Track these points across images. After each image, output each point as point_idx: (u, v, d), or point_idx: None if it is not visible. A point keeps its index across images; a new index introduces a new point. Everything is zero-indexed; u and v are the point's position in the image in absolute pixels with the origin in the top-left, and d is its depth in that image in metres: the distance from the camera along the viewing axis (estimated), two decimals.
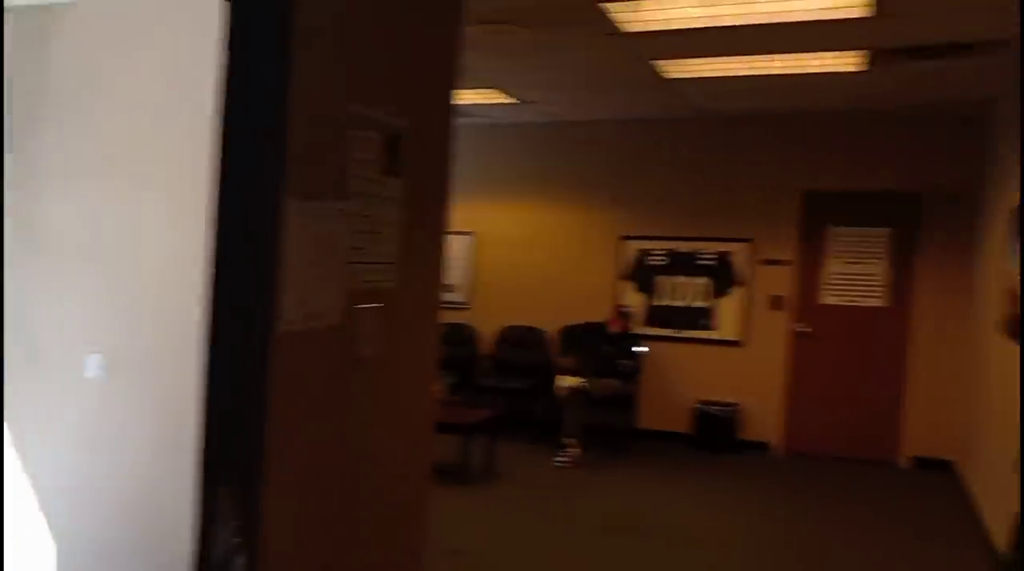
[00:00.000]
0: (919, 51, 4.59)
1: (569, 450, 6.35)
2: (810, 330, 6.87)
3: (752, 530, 5.07)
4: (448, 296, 6.82)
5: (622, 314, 7.07)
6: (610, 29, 4.41)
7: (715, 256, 7.12)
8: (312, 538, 2.30)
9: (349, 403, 2.43)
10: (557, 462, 6.27)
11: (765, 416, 7.00)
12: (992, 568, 1.10)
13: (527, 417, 7.15)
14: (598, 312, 7.27)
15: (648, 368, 7.12)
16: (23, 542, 3.04)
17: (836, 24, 4.21)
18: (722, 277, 7.11)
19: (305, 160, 2.12)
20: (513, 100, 6.65)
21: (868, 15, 4.01)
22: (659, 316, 7.29)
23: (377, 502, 2.64)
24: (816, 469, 6.54)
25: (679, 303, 7.24)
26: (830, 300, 6.86)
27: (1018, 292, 4.48)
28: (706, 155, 7.16)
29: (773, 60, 5.03)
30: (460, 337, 7.56)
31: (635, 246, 7.38)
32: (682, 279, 7.23)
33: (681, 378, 7.21)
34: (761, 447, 6.99)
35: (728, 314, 7.09)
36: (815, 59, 4.96)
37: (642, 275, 7.35)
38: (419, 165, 2.73)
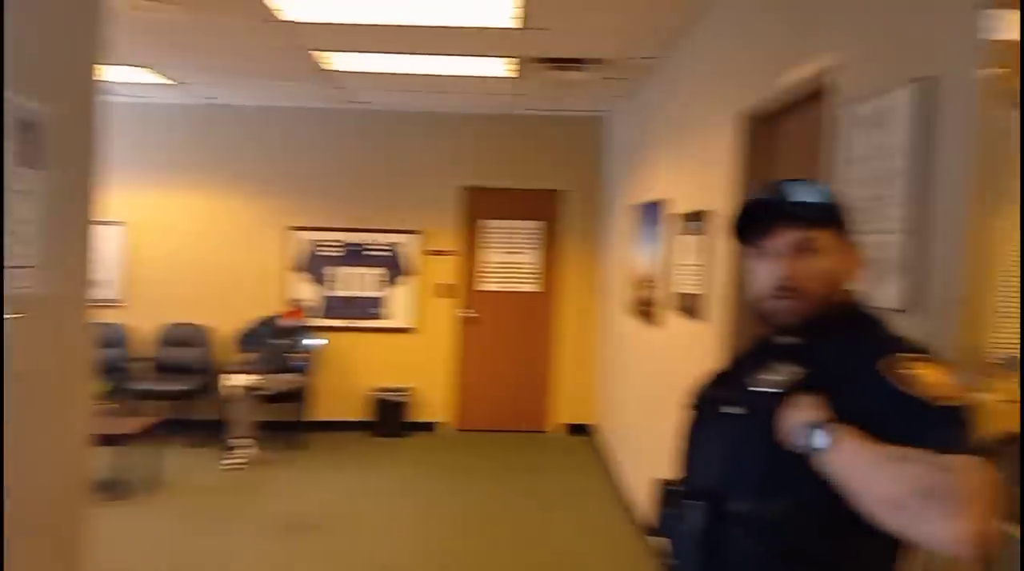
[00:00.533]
0: (559, 62, 5.11)
1: (240, 451, 6.12)
2: (475, 315, 7.34)
3: (428, 508, 5.34)
4: (98, 293, 6.16)
5: (296, 307, 6.94)
6: (267, 16, 4.30)
7: (386, 247, 7.28)
8: None
9: None
10: (228, 464, 6.02)
11: (437, 397, 7.36)
12: (641, 527, 1.33)
13: (193, 420, 6.72)
14: (270, 305, 7.07)
15: (325, 359, 7.10)
16: None
17: (489, 32, 4.53)
18: (393, 267, 7.30)
19: None
20: (168, 81, 6.19)
21: (517, 27, 4.38)
22: (334, 307, 7.28)
23: (24, 531, 2.35)
24: (483, 443, 7.04)
25: (353, 293, 7.31)
26: (491, 286, 7.39)
27: (642, 278, 5.21)
28: (373, 148, 7.28)
29: (432, 61, 5.26)
30: (114, 338, 6.87)
31: (305, 237, 7.28)
32: (355, 270, 7.30)
33: (358, 367, 7.29)
34: (435, 427, 7.33)
35: (400, 303, 7.32)
36: (472, 63, 5.28)
37: (314, 266, 7.29)
38: (62, 154, 2.46)
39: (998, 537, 1.07)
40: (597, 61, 5.11)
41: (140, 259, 7.12)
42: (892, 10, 2.15)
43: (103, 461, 4.54)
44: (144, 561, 4.27)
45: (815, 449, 1.20)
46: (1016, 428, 3.29)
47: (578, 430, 7.36)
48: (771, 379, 1.33)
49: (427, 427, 7.31)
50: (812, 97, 2.71)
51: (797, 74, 2.71)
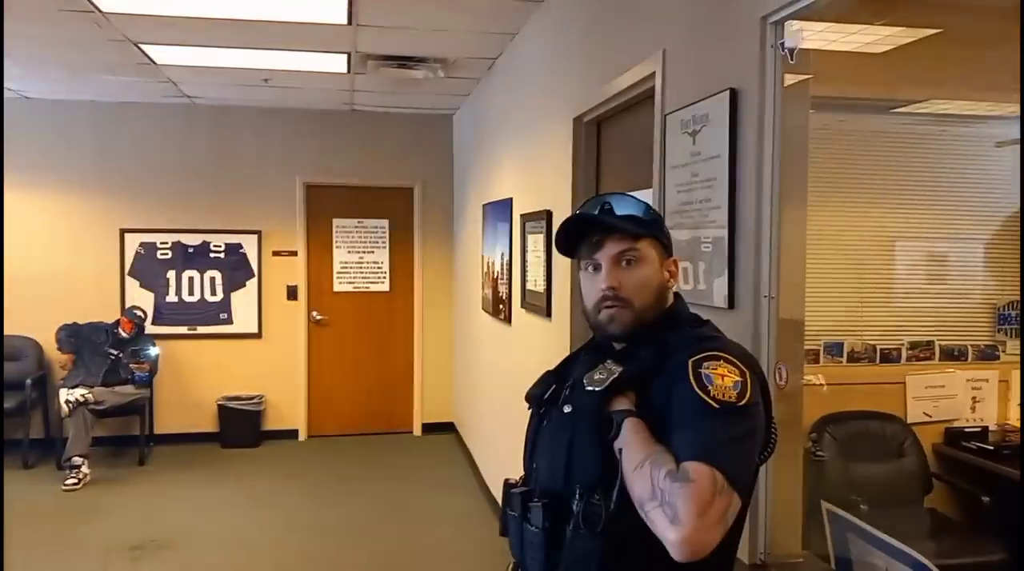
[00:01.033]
0: (394, 59, 5.08)
1: (78, 470, 5.73)
2: (326, 317, 7.18)
3: (286, 520, 5.18)
4: None
5: (133, 315, 6.53)
6: (86, 6, 4.04)
7: (226, 248, 6.99)
8: None
9: None
10: (66, 486, 5.62)
11: (290, 404, 7.14)
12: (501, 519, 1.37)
13: (20, 440, 6.20)
14: (104, 313, 6.63)
15: (165, 369, 6.74)
16: None
17: (320, 28, 4.44)
18: (235, 270, 7.02)
19: None
20: None
21: (344, 23, 4.32)
22: (173, 313, 6.92)
23: None
24: (342, 449, 6.91)
25: (192, 298, 6.97)
26: (342, 288, 7.25)
27: (493, 276, 5.28)
28: (208, 145, 6.95)
29: (263, 55, 5.09)
30: None
31: (138, 240, 6.87)
32: (193, 273, 6.97)
33: (201, 376, 6.97)
34: (289, 435, 7.13)
35: (245, 307, 7.04)
36: (304, 58, 5.15)
37: (149, 271, 6.89)
38: None
39: (715, 542, 1.18)
40: (437, 60, 5.12)
41: None
42: (703, 21, 2.28)
43: None
44: None
45: (610, 437, 1.31)
46: (836, 410, 3.58)
47: (440, 428, 7.36)
48: (595, 377, 1.40)
49: (283, 435, 7.10)
50: (642, 102, 2.83)
51: (624, 80, 2.82)
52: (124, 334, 6.41)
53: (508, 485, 1.52)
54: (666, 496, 1.18)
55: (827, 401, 3.43)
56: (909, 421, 3.68)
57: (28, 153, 6.62)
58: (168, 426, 6.87)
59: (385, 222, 7.28)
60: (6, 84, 6.03)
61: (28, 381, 6.25)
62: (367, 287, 7.29)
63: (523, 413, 1.59)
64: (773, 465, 1.87)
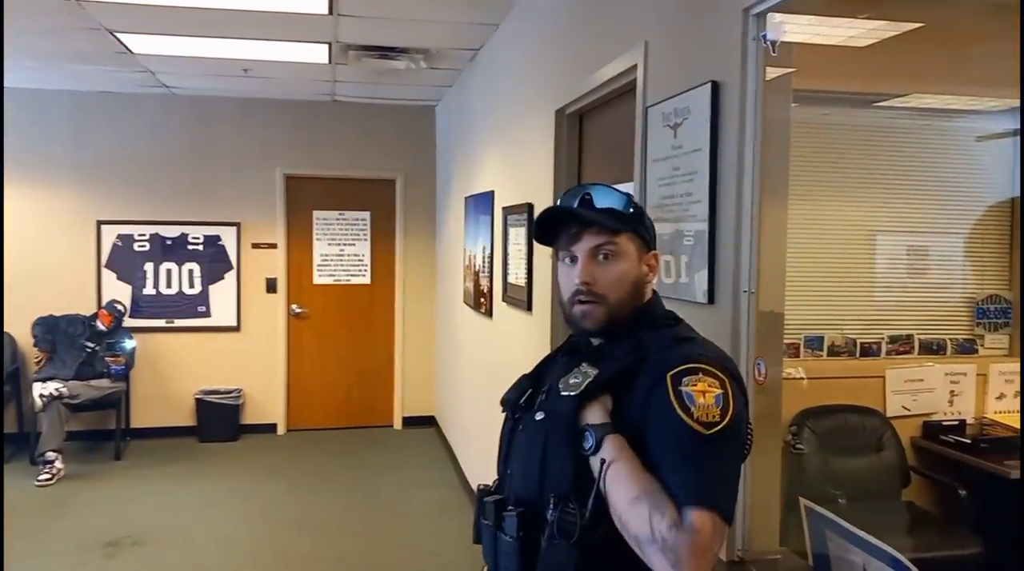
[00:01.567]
0: (375, 50, 5.03)
1: (51, 465, 5.65)
2: (306, 310, 7.12)
3: (264, 515, 5.13)
4: None
5: (112, 308, 6.45)
6: None
7: (204, 240, 6.91)
8: None
9: None
10: (40, 481, 5.54)
11: (269, 398, 7.08)
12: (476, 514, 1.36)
13: None
14: (80, 306, 6.55)
15: (142, 362, 6.67)
16: None
17: (299, 17, 4.39)
18: (214, 262, 6.94)
19: None
20: None
21: (324, 13, 4.27)
22: (151, 306, 6.84)
23: None
24: (321, 443, 6.86)
25: (170, 291, 6.89)
26: (322, 280, 7.19)
27: (475, 269, 5.25)
28: (187, 136, 6.85)
29: (242, 45, 5.03)
30: None
31: (115, 231, 6.78)
32: (171, 265, 6.88)
33: (179, 369, 6.89)
34: (268, 429, 7.07)
35: (223, 299, 6.97)
36: (283, 48, 5.08)
37: (126, 263, 6.80)
38: None
39: None
40: (418, 51, 5.08)
41: None
42: (685, 13, 2.25)
43: None
44: None
45: (584, 452, 1.29)
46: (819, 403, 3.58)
47: (420, 422, 7.33)
48: (570, 382, 1.37)
49: (261, 429, 7.04)
50: (624, 95, 2.81)
51: (606, 72, 2.80)
52: (102, 327, 6.33)
53: (481, 492, 1.49)
54: (668, 543, 1.18)
55: (807, 395, 3.43)
56: (888, 415, 3.69)
57: (8, 143, 6.50)
58: (145, 420, 6.80)
59: (366, 214, 7.23)
60: None
61: (1, 375, 6.15)
62: (348, 280, 7.23)
63: (502, 415, 1.56)
64: (751, 461, 1.84)
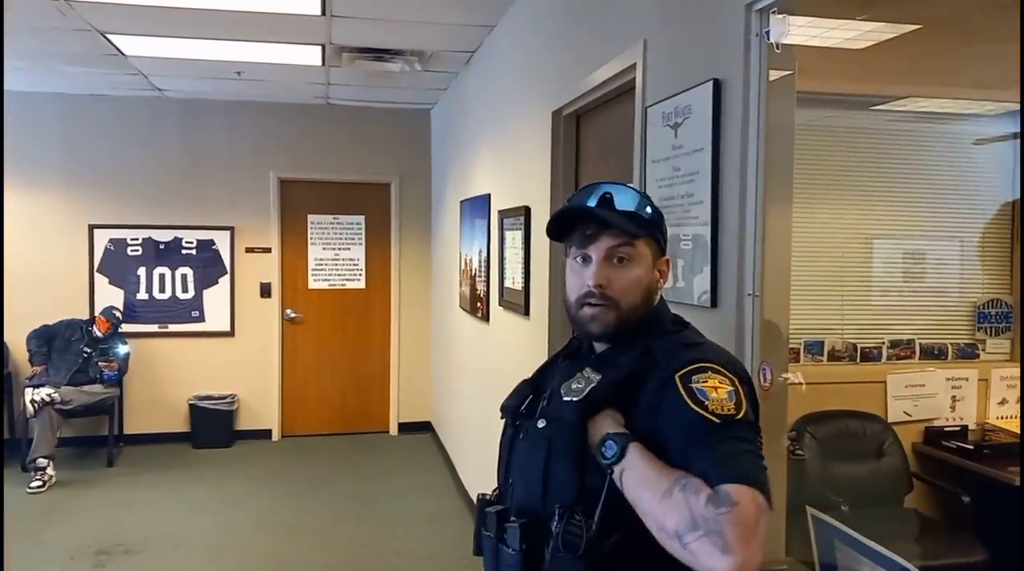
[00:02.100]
0: (370, 52, 4.98)
1: (43, 472, 5.58)
2: (300, 315, 7.07)
3: (259, 522, 5.07)
4: None
5: (110, 314, 6.38)
6: None
7: (198, 245, 6.85)
8: None
9: None
10: (31, 488, 5.47)
11: (264, 404, 7.02)
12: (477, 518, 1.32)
13: None
14: (72, 311, 6.48)
15: (135, 368, 6.60)
16: None
17: (292, 18, 4.34)
18: (207, 266, 6.88)
19: None
20: None
21: (317, 14, 4.22)
22: (144, 311, 6.77)
23: None
24: (316, 449, 6.79)
25: (163, 296, 6.83)
26: (317, 285, 7.13)
27: (471, 274, 5.20)
28: (180, 140, 6.80)
29: (234, 47, 4.98)
30: None
31: (108, 236, 6.71)
32: (165, 270, 6.82)
33: (172, 375, 6.83)
34: (262, 435, 7.00)
35: (217, 304, 6.91)
36: (277, 50, 5.04)
37: (119, 267, 6.74)
38: None
39: (761, 563, 1.09)
40: (413, 53, 5.04)
41: None
42: (685, 10, 2.21)
43: None
44: None
45: (606, 462, 1.22)
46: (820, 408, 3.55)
47: (416, 428, 7.27)
48: (573, 387, 1.32)
49: (256, 435, 6.97)
50: (622, 95, 2.76)
51: (605, 72, 2.76)
52: (99, 333, 6.27)
53: (482, 502, 1.44)
54: (711, 525, 1.08)
55: (807, 400, 3.39)
56: (889, 420, 3.66)
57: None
58: (138, 426, 6.73)
59: (361, 218, 7.17)
60: None
61: (1, 379, 6.09)
62: (343, 284, 7.18)
63: (502, 422, 1.51)
64: None
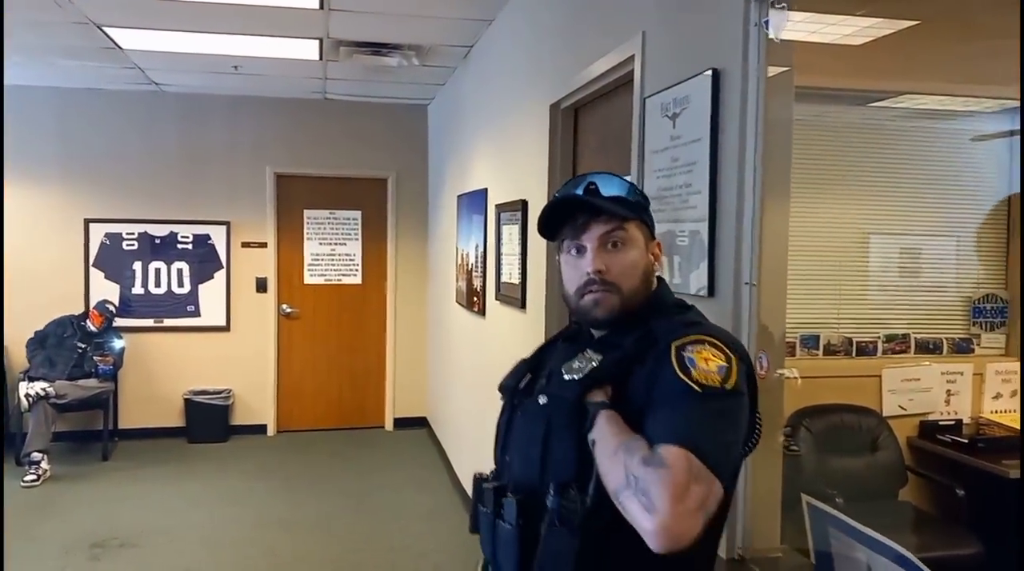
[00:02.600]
0: (367, 46, 4.98)
1: (37, 466, 5.57)
2: (296, 310, 7.06)
3: (255, 516, 5.06)
4: None
5: (104, 309, 6.36)
6: None
7: (194, 239, 6.84)
8: None
9: None
10: (25, 482, 5.46)
11: (259, 399, 7.01)
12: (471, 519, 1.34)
13: None
14: (67, 305, 6.47)
15: (130, 362, 6.59)
16: None
17: (290, 12, 4.33)
18: (203, 261, 6.86)
19: None
20: None
21: (315, 7, 4.22)
22: (138, 305, 6.76)
23: None
24: (312, 444, 6.79)
25: (159, 290, 6.81)
26: (313, 280, 7.12)
27: (468, 268, 5.20)
28: (176, 134, 6.78)
29: (232, 40, 4.97)
30: None
31: (103, 230, 6.70)
32: (160, 265, 6.81)
33: (168, 369, 6.82)
34: (258, 430, 6.99)
35: (213, 299, 6.90)
36: (274, 44, 5.03)
37: (114, 262, 6.72)
38: None
39: (695, 531, 1.10)
40: (411, 47, 5.03)
41: None
42: (685, 0, 2.21)
43: None
44: None
45: (588, 431, 1.24)
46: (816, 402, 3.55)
47: (412, 423, 7.26)
48: (574, 366, 1.33)
49: (251, 430, 6.96)
50: (620, 87, 2.77)
51: (603, 64, 2.76)
52: (93, 328, 6.26)
53: (479, 480, 1.44)
54: (640, 483, 1.10)
55: (803, 394, 3.40)
56: (884, 414, 3.67)
57: None
58: (133, 421, 6.72)
59: (358, 213, 7.17)
60: None
61: (3, 375, 6.08)
62: (339, 280, 7.17)
63: (497, 407, 1.51)
64: (752, 459, 1.81)
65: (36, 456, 5.60)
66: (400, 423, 7.30)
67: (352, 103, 6.99)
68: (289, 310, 7.04)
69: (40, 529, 4.75)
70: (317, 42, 4.96)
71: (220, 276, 6.90)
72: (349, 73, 5.81)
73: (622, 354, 1.31)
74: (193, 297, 6.86)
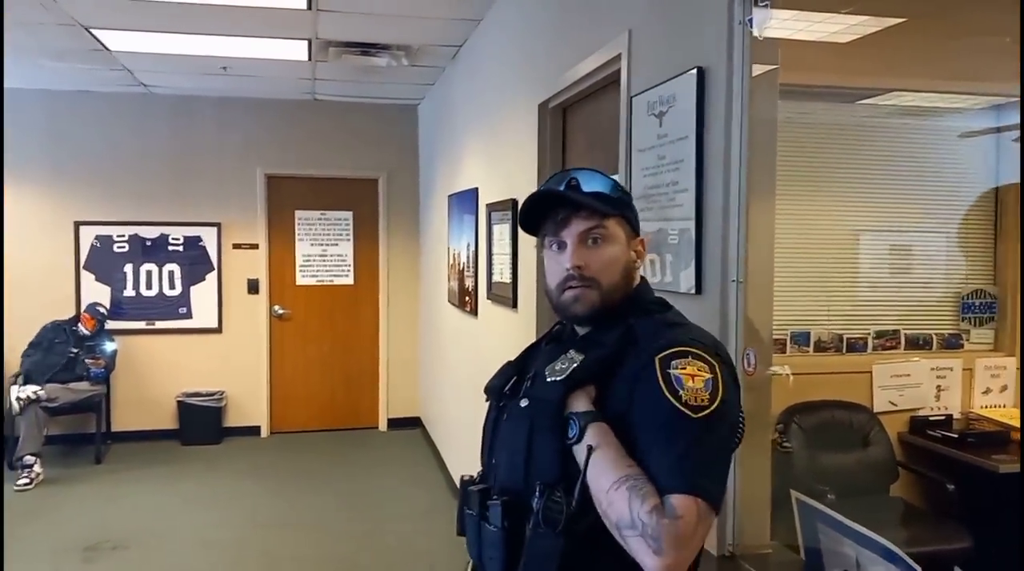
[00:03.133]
0: (356, 46, 4.97)
1: (30, 469, 5.55)
2: (288, 311, 7.05)
3: (249, 518, 5.06)
4: None
5: (95, 311, 6.34)
6: None
7: (185, 241, 6.83)
8: None
9: None
10: (18, 486, 5.44)
11: (252, 400, 7.00)
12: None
13: None
14: (58, 307, 6.45)
15: (122, 365, 6.57)
16: None
17: (278, 12, 4.33)
18: (194, 263, 6.85)
19: None
20: None
21: (303, 8, 4.21)
22: (129, 308, 6.74)
23: None
24: (305, 446, 6.78)
25: (150, 293, 6.80)
26: (305, 281, 7.11)
27: (459, 268, 5.19)
28: (166, 136, 6.76)
29: (220, 42, 4.96)
30: None
31: (94, 232, 6.68)
32: (152, 267, 6.79)
33: (160, 372, 6.80)
34: (251, 432, 6.98)
35: (204, 301, 6.88)
36: (263, 45, 5.02)
37: (105, 264, 6.70)
38: None
39: (692, 558, 1.20)
40: (400, 47, 5.03)
41: None
42: (670, 0, 2.22)
43: None
44: None
45: (568, 441, 1.25)
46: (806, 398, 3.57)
47: (406, 424, 7.26)
48: (556, 368, 1.33)
49: (244, 432, 6.95)
50: (607, 86, 2.77)
51: (590, 63, 2.76)
52: (85, 331, 6.25)
53: (465, 482, 1.45)
54: (649, 530, 1.13)
55: (794, 391, 3.41)
56: (875, 410, 3.68)
57: None
58: (126, 423, 6.70)
59: (349, 214, 7.16)
60: None
61: (1, 377, 6.04)
62: (331, 280, 7.16)
63: (486, 403, 1.51)
64: (741, 455, 1.82)
65: (29, 460, 5.59)
66: (394, 423, 7.29)
67: (342, 103, 6.99)
68: (281, 311, 7.03)
69: (33, 532, 4.73)
70: (306, 43, 4.95)
71: (212, 278, 6.88)
72: (338, 73, 5.80)
73: (604, 353, 1.31)
74: (185, 299, 6.85)
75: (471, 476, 1.48)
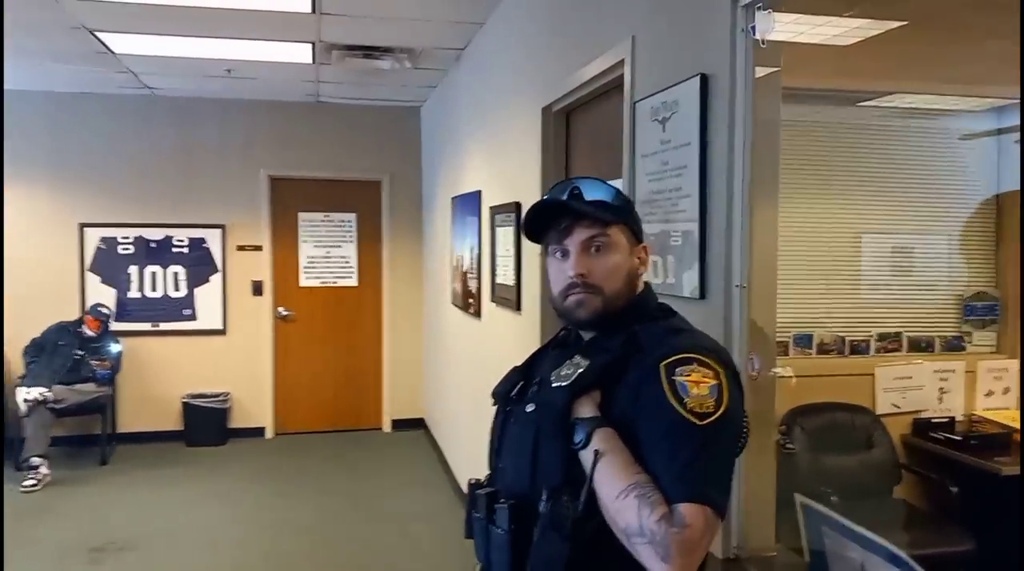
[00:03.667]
0: (360, 49, 4.99)
1: (37, 471, 5.57)
2: (292, 313, 7.07)
3: (254, 519, 5.08)
4: None
5: (98, 313, 6.36)
6: None
7: (189, 243, 6.85)
8: None
9: None
10: (24, 487, 5.46)
11: (256, 402, 7.02)
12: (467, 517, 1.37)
13: None
14: (64, 309, 6.47)
15: (127, 366, 6.59)
16: None
17: (282, 16, 4.34)
18: (198, 265, 6.87)
19: None
20: None
21: (307, 11, 4.23)
22: (135, 309, 6.77)
23: None
24: (310, 447, 6.80)
25: (155, 294, 6.82)
26: (309, 283, 7.13)
27: (463, 270, 5.21)
28: (170, 138, 6.78)
29: (224, 44, 4.98)
30: None
31: (99, 234, 6.71)
32: (156, 268, 6.81)
33: (165, 373, 6.82)
34: (255, 433, 7.00)
35: (209, 302, 6.90)
36: (267, 47, 5.03)
37: (109, 266, 6.73)
38: None
39: (699, 563, 1.21)
40: (403, 50, 5.04)
41: None
42: (673, 6, 2.23)
43: None
44: None
45: (574, 447, 1.27)
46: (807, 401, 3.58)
47: (410, 425, 7.28)
48: (562, 373, 1.35)
49: (249, 433, 6.97)
50: (611, 91, 2.79)
51: (593, 68, 2.78)
52: (89, 332, 6.27)
53: (473, 486, 1.47)
54: (657, 538, 1.15)
55: (797, 393, 3.42)
56: (878, 412, 3.69)
57: None
58: (131, 425, 6.73)
59: (352, 216, 7.18)
60: None
61: (1, 378, 6.07)
62: (334, 282, 7.18)
63: (493, 408, 1.53)
64: (746, 458, 1.83)
65: (35, 461, 5.61)
66: (398, 425, 7.31)
67: (345, 106, 7.00)
68: (285, 313, 7.05)
69: (39, 534, 4.75)
70: (310, 46, 4.97)
71: (216, 279, 6.90)
72: (342, 76, 5.82)
73: (609, 358, 1.32)
74: (189, 301, 6.87)
75: (479, 480, 1.49)
